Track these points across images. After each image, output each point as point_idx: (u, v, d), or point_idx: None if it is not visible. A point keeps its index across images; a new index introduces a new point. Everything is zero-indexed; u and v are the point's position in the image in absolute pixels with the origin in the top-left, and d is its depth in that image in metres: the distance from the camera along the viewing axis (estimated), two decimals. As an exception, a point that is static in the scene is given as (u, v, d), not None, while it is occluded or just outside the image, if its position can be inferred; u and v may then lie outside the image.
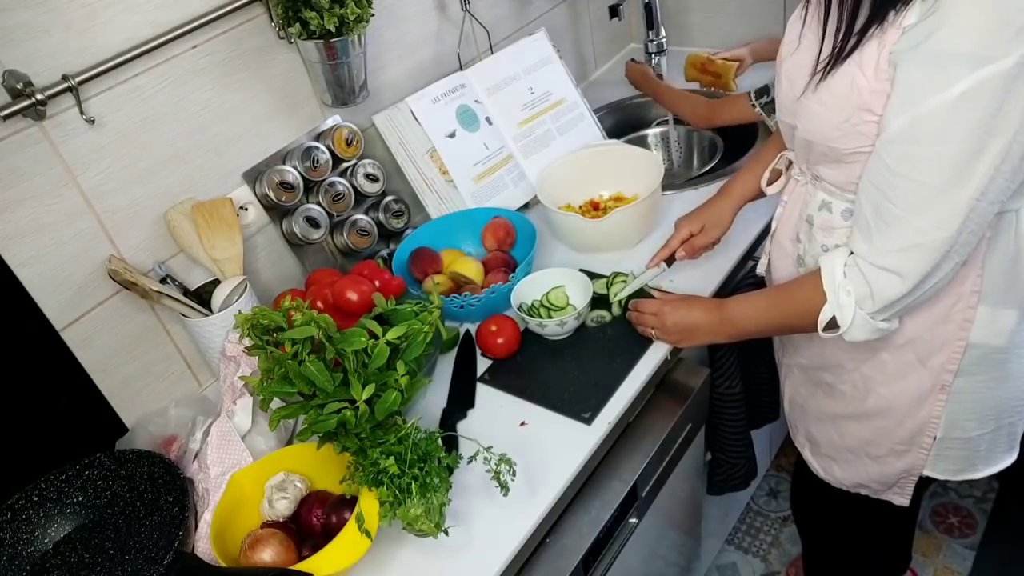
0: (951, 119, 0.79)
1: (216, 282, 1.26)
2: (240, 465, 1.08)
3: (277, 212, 1.38)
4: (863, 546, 1.34)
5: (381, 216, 1.50)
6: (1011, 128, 0.78)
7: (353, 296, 1.17)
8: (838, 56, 0.87)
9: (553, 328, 1.24)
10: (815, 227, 1.04)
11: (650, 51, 1.98)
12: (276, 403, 1.02)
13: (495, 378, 1.24)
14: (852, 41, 0.86)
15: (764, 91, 1.46)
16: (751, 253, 1.44)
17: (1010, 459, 1.13)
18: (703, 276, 1.34)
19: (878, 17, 0.83)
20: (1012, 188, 0.84)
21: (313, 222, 1.39)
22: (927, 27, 0.78)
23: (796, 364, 1.22)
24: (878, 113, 0.86)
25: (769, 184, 1.20)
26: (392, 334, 1.02)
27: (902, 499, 1.18)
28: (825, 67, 0.89)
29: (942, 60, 0.78)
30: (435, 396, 1.22)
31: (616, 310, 1.29)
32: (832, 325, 0.97)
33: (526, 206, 1.62)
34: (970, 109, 0.78)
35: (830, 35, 0.88)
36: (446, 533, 0.95)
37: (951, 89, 0.77)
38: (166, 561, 0.93)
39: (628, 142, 1.83)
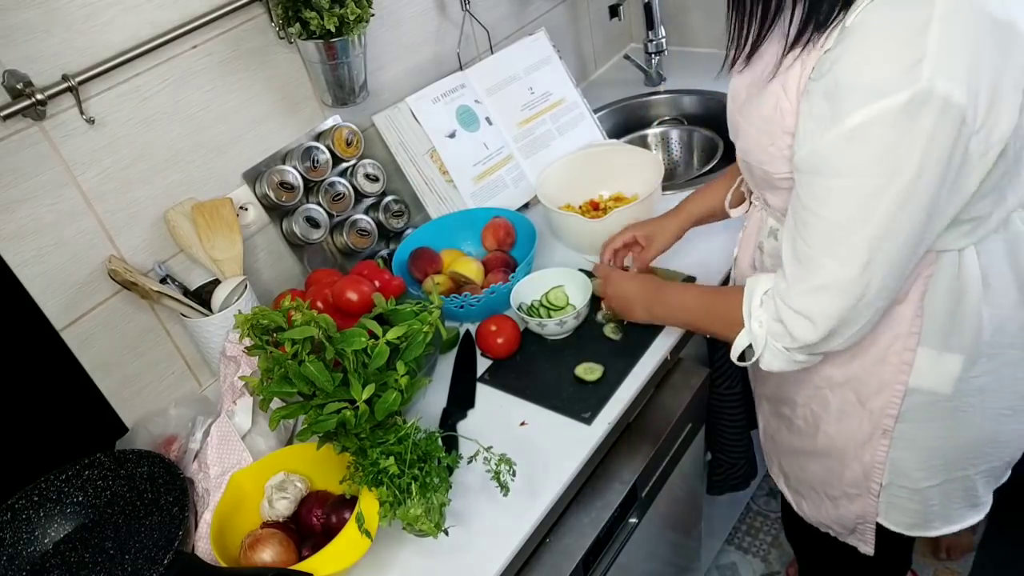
0: (847, 152, 0.76)
1: (216, 282, 1.26)
2: (240, 465, 1.08)
3: (277, 212, 1.38)
4: (858, 570, 1.29)
5: (381, 216, 1.50)
6: (912, 167, 0.75)
7: (353, 296, 1.17)
8: (735, 58, 0.87)
9: (553, 328, 1.24)
10: (764, 254, 1.02)
11: (650, 51, 1.98)
12: (276, 403, 1.02)
13: (495, 378, 1.24)
14: (758, 49, 0.85)
15: None
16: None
17: (974, 517, 1.09)
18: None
19: (799, 40, 0.80)
20: (929, 231, 0.81)
21: (313, 222, 1.39)
22: (833, 56, 0.77)
23: (763, 394, 1.21)
24: None
25: (733, 207, 1.18)
26: (392, 334, 1.02)
27: (866, 547, 1.14)
28: (732, 61, 0.89)
29: (840, 90, 0.75)
30: (435, 396, 1.22)
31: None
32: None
33: (526, 206, 1.62)
34: (863, 143, 0.75)
35: (739, 36, 0.86)
36: (446, 533, 0.95)
37: (847, 121, 0.75)
38: (166, 561, 0.93)
39: (628, 142, 1.84)
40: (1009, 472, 1.11)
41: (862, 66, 0.74)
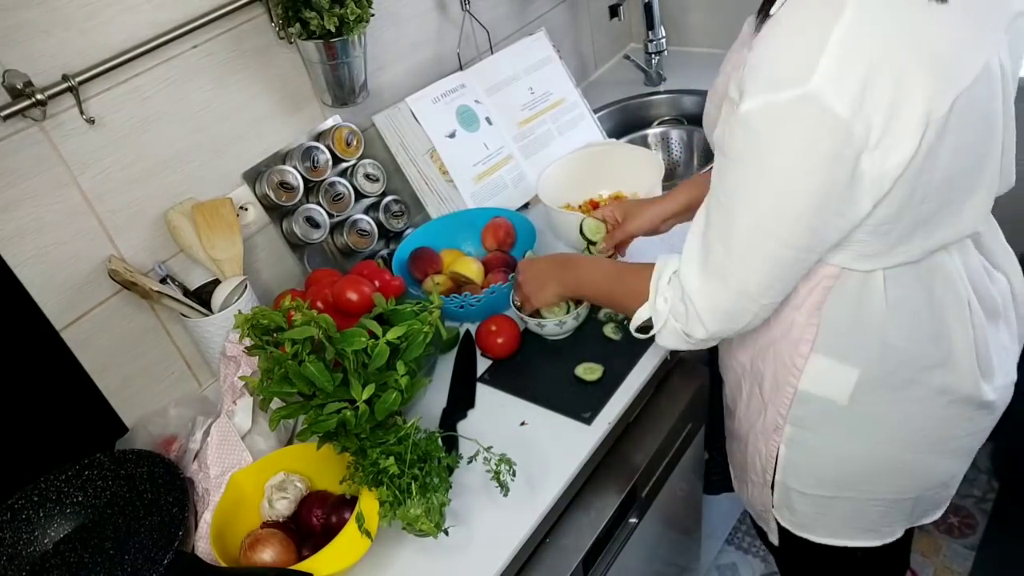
0: (736, 136, 0.77)
1: (216, 282, 1.26)
2: (240, 465, 1.08)
3: (277, 212, 1.38)
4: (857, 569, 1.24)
5: (381, 216, 1.50)
6: (782, 165, 0.75)
7: (353, 296, 1.17)
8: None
9: (552, 328, 1.24)
10: None
11: (650, 51, 1.98)
12: (276, 403, 1.02)
13: (495, 378, 1.24)
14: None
15: None
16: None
17: (865, 541, 1.06)
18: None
19: (760, 11, 0.80)
20: (816, 242, 0.81)
21: (313, 222, 1.39)
22: (754, 42, 0.77)
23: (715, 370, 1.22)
24: None
25: None
26: (392, 334, 1.02)
27: (772, 536, 1.15)
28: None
29: (747, 77, 0.76)
30: (435, 396, 1.22)
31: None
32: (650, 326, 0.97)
33: (526, 206, 1.62)
34: (744, 131, 0.76)
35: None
36: (446, 533, 0.95)
37: (742, 106, 0.75)
38: (166, 561, 0.93)
39: (628, 142, 1.84)
40: (939, 512, 1.10)
41: (766, 58, 0.75)
